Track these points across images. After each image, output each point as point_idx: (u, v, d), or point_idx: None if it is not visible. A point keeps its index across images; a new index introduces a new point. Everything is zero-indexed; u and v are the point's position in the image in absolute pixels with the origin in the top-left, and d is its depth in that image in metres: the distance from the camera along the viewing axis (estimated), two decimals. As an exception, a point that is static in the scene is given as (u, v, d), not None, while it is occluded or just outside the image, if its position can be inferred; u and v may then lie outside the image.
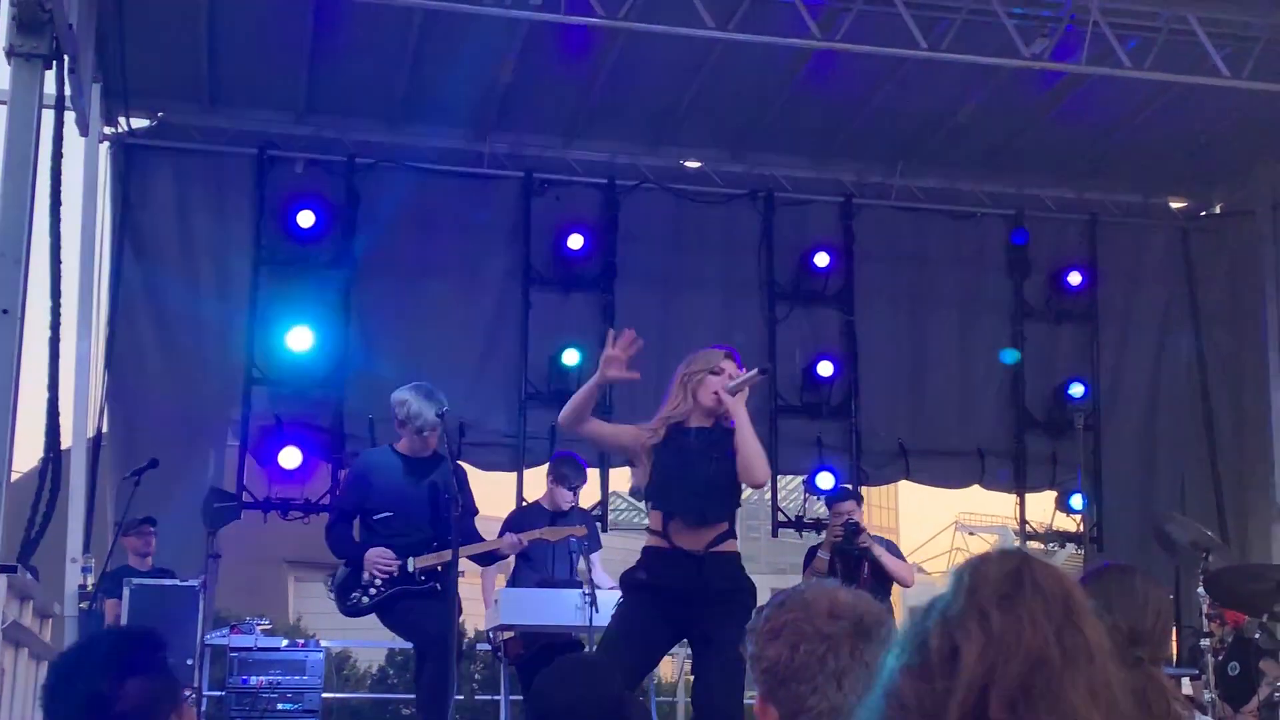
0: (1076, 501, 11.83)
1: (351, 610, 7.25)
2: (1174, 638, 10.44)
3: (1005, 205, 12.28)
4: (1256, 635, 8.21)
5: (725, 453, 5.51)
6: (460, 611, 6.98)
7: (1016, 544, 12.52)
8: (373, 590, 7.16)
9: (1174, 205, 12.82)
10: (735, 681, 5.25)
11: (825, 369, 11.65)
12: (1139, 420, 12.43)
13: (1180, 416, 12.47)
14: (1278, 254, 12.03)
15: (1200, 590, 7.21)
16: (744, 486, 5.69)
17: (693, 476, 5.51)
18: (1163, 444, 12.41)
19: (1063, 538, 12.29)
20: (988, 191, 12.23)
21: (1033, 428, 12.10)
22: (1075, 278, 12.15)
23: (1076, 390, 11.96)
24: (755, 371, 5.63)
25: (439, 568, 7.02)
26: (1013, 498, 12.33)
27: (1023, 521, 12.25)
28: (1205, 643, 7.20)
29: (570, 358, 11.04)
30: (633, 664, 5.38)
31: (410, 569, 7.13)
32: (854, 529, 8.36)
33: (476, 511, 7.55)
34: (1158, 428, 12.44)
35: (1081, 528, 11.99)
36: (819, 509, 11.31)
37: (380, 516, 7.24)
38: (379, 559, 7.11)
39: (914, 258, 12.16)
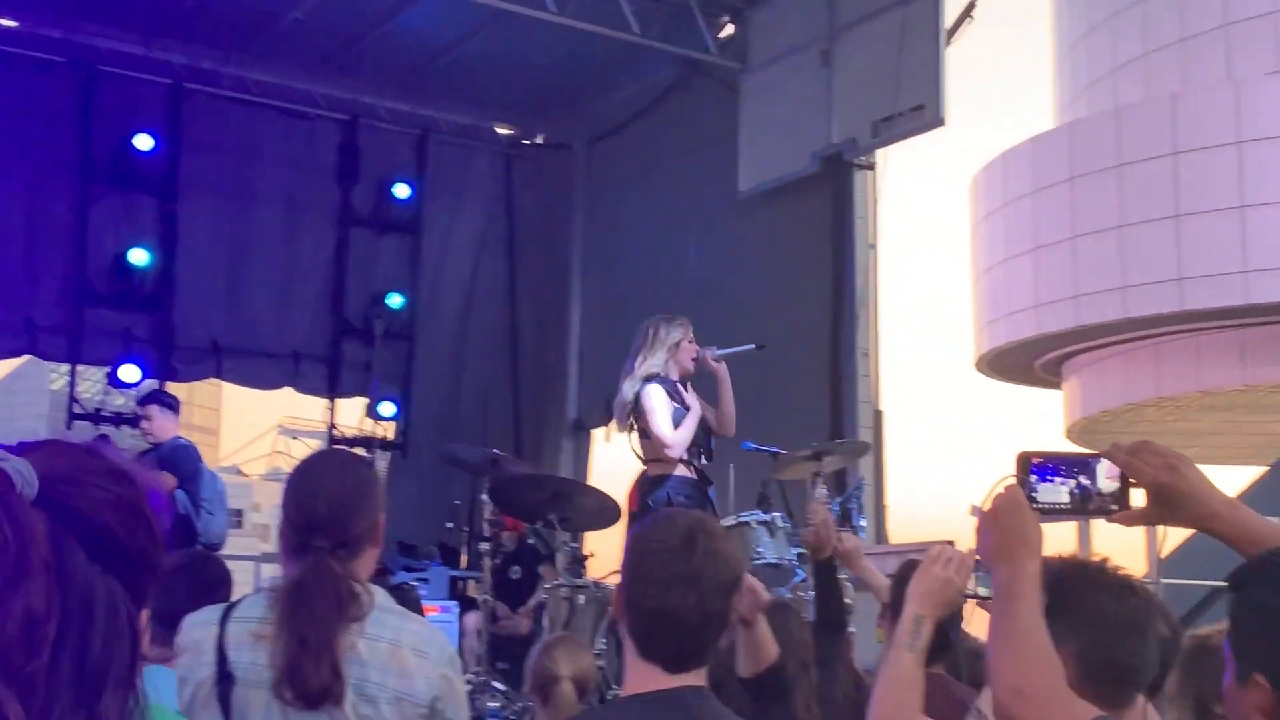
0: (386, 409, 12.09)
1: None
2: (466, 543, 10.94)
3: (340, 110, 12.22)
4: (532, 541, 8.76)
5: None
6: None
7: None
8: None
9: (501, 131, 13.34)
10: None
11: (139, 257, 11.11)
12: (452, 334, 12.88)
13: (490, 332, 13.05)
14: (589, 188, 12.85)
15: (484, 498, 7.60)
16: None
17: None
18: (472, 358, 12.94)
19: (372, 444, 12.53)
20: (323, 94, 12.12)
21: (350, 334, 12.21)
22: (403, 190, 12.35)
23: (395, 300, 12.21)
24: (751, 346, 7.07)
25: None
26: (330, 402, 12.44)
27: (331, 426, 12.36)
28: (484, 546, 7.62)
29: None
30: None
31: None
32: None
33: None
34: (469, 342, 12.95)
35: (390, 435, 12.28)
36: (122, 402, 10.84)
37: None
38: None
39: (243, 152, 11.86)
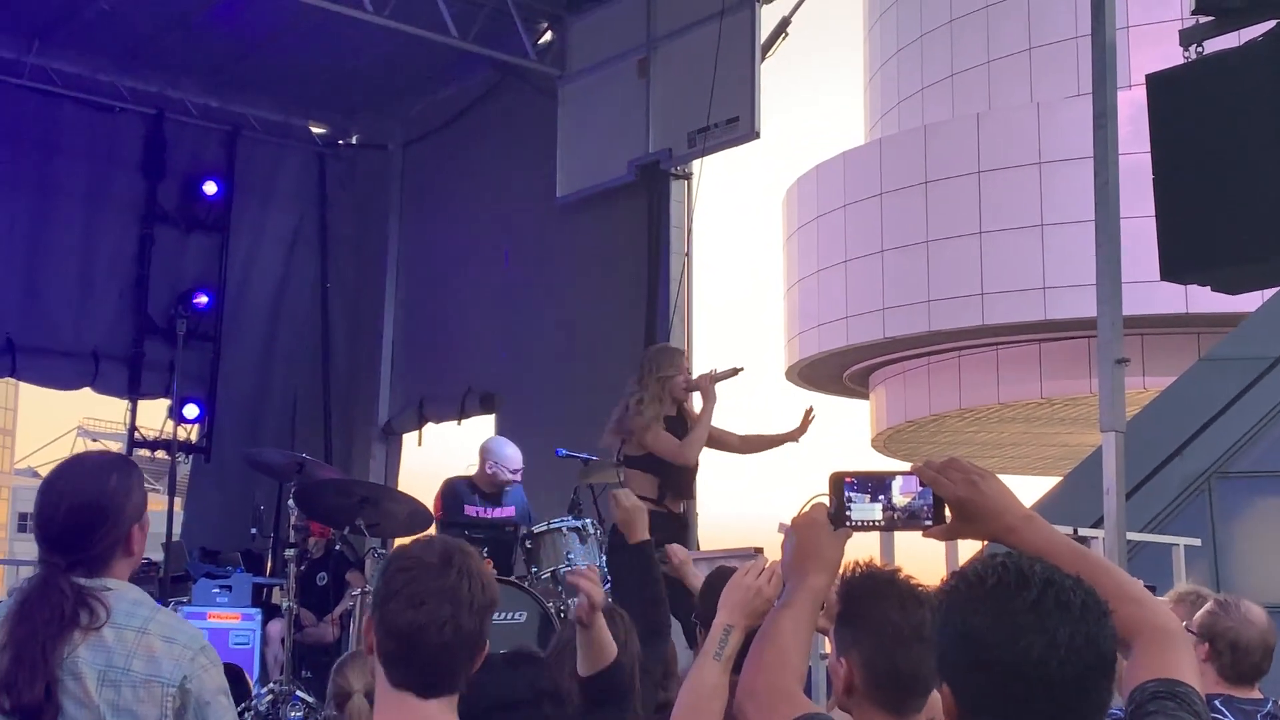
0: (190, 411, 11.77)
1: None
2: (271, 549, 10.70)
3: (146, 103, 11.87)
4: (339, 547, 8.61)
5: None
6: None
7: None
8: None
9: (314, 130, 13.10)
10: None
11: (-72, 251, 10.62)
12: (260, 335, 12.61)
13: (300, 334, 12.81)
14: (404, 190, 12.71)
15: (290, 503, 7.46)
16: None
17: None
18: (281, 360, 12.68)
19: (174, 446, 12.16)
20: (129, 87, 11.75)
21: (153, 333, 11.86)
22: (211, 187, 12.06)
23: (201, 300, 11.91)
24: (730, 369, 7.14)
25: None
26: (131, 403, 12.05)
27: (132, 429, 11.98)
28: (290, 553, 7.47)
29: None
30: None
31: None
32: None
33: None
34: (277, 344, 12.69)
35: (193, 437, 11.96)
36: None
37: None
38: None
39: (42, 143, 11.44)
